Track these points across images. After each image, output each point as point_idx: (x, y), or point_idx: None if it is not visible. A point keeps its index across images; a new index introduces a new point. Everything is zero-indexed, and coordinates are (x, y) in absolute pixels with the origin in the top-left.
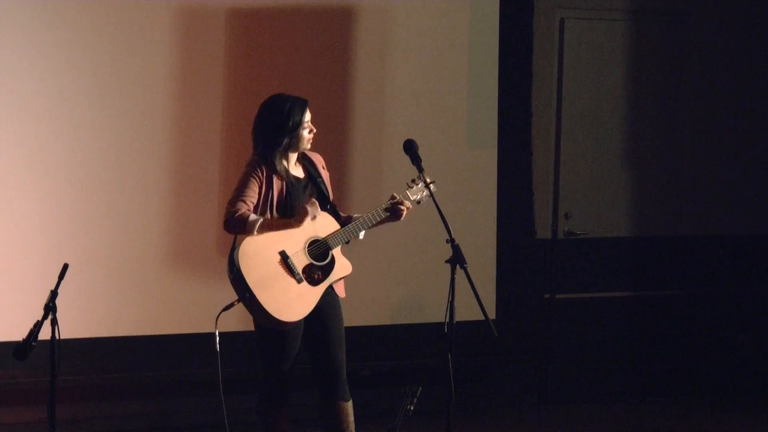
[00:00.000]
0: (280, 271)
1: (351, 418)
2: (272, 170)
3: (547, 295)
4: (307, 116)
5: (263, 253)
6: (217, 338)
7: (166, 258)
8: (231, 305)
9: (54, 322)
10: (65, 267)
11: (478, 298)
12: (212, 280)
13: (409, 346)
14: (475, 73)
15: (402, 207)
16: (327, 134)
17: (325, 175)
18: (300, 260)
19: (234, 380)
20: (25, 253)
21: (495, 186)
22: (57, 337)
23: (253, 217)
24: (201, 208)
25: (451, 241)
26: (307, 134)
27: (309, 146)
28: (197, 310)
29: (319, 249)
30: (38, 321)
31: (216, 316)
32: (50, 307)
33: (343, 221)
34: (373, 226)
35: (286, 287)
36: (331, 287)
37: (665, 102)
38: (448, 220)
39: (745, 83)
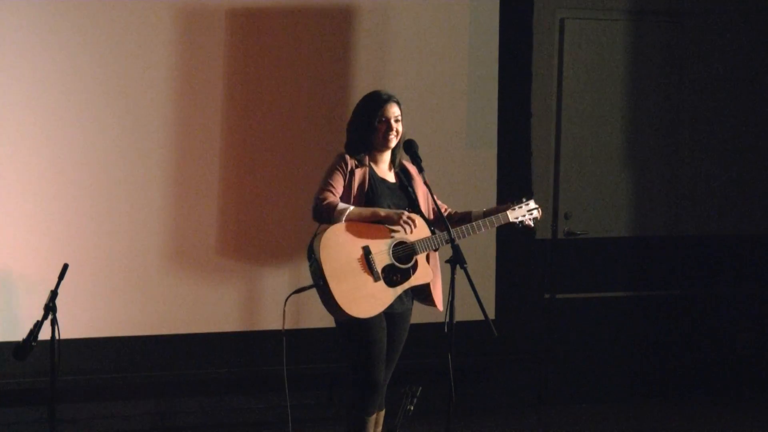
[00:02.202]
0: (359, 266)
1: (380, 426)
2: (356, 164)
3: (547, 295)
4: (387, 112)
5: (345, 245)
6: (284, 319)
7: (166, 258)
8: (304, 288)
9: (54, 322)
10: (65, 267)
11: (478, 298)
12: (212, 280)
13: (409, 346)
14: (474, 72)
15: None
16: (327, 134)
17: (422, 188)
18: (381, 259)
19: (235, 380)
20: (25, 253)
21: (495, 186)
22: (57, 337)
23: (342, 205)
24: (201, 208)
25: (451, 241)
26: (383, 130)
27: (390, 144)
28: (197, 310)
29: (403, 251)
30: (38, 321)
31: (286, 297)
32: (50, 307)
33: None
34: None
35: (362, 283)
36: (425, 298)
37: (665, 102)
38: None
39: (745, 83)
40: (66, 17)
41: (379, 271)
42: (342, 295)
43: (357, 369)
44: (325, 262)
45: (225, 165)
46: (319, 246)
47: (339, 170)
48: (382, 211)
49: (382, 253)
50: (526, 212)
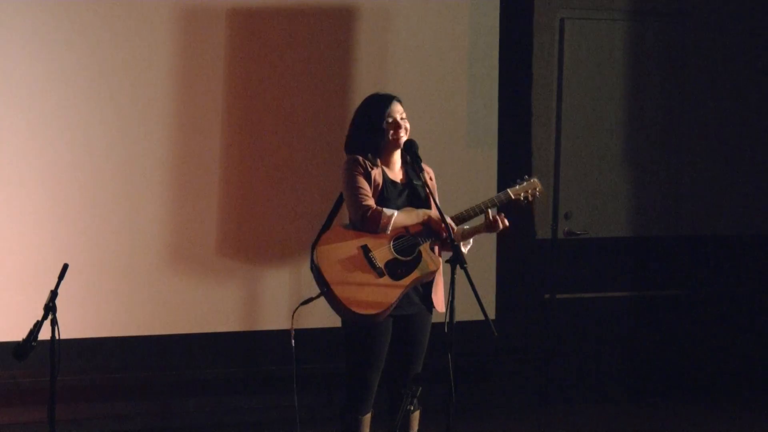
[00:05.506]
0: (360, 264)
1: (416, 426)
2: (370, 165)
3: (547, 295)
4: (393, 112)
5: (343, 248)
6: (293, 333)
7: (166, 258)
8: (311, 299)
9: (54, 322)
10: (65, 267)
11: (478, 298)
12: (212, 280)
13: None
14: (475, 72)
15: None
16: (327, 134)
17: (431, 185)
18: (383, 255)
19: (235, 380)
20: (25, 253)
21: (495, 186)
22: (57, 337)
23: (387, 212)
24: (201, 208)
25: (451, 241)
26: (392, 130)
27: (401, 143)
28: (197, 310)
29: (405, 244)
30: (38, 321)
31: (293, 310)
32: (50, 307)
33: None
34: (473, 231)
35: (366, 281)
36: (429, 302)
37: (665, 102)
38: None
39: (745, 83)
40: (65, 17)
41: (382, 266)
42: (348, 297)
43: (352, 369)
44: (325, 269)
45: (225, 165)
46: (317, 253)
47: (359, 174)
48: (421, 212)
49: (382, 248)
50: (528, 186)
